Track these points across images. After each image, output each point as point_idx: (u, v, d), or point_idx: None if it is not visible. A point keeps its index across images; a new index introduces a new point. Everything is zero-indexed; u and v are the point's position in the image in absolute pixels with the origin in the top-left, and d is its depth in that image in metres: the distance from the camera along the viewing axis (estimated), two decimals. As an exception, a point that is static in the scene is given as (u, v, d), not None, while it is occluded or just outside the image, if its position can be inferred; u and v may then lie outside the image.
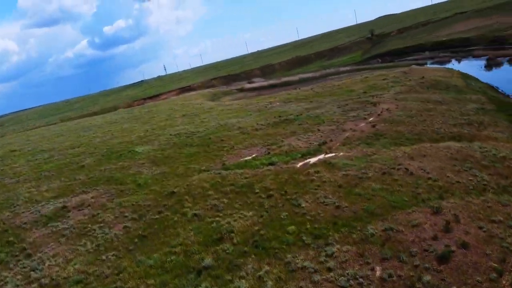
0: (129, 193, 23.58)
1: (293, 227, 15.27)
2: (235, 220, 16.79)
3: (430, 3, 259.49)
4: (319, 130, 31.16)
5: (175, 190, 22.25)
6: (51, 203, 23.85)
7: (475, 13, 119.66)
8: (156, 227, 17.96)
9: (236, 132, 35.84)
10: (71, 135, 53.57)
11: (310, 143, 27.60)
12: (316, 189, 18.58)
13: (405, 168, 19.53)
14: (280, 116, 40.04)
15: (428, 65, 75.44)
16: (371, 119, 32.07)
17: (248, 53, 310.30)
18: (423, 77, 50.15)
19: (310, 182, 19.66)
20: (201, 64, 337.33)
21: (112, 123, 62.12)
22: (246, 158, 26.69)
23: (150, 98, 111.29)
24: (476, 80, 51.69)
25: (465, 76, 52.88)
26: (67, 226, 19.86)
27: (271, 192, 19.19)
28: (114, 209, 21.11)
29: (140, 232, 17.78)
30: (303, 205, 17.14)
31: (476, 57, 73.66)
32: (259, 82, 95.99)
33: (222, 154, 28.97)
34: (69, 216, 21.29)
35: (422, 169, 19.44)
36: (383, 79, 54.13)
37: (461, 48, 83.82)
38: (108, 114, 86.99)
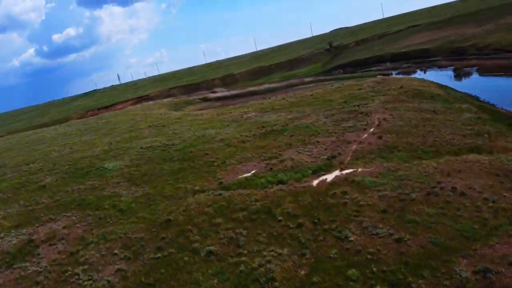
0: (111, 222, 19.27)
1: (353, 270, 11.82)
2: (269, 262, 13.08)
3: (381, 17, 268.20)
4: (318, 142, 28.11)
5: (170, 218, 18.28)
6: (13, 234, 19.15)
7: (429, 26, 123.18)
8: (163, 271, 13.83)
9: (220, 145, 32.17)
10: (22, 149, 47.36)
11: (316, 157, 24.43)
12: (356, 216, 15.30)
13: (452, 187, 16.75)
14: (263, 127, 36.81)
15: (394, 75, 75.47)
16: (371, 129, 29.48)
17: (206, 62, 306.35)
18: (401, 87, 48.74)
19: (343, 206, 16.39)
20: (157, 73, 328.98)
21: (67, 135, 56.33)
22: (245, 175, 23.06)
23: (105, 108, 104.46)
24: (453, 89, 51.05)
25: (442, 86, 52.15)
26: (39, 269, 15.34)
27: (299, 220, 15.68)
28: (97, 244, 16.79)
29: (142, 279, 13.60)
30: (351, 238, 13.74)
31: (440, 67, 74.50)
32: (222, 92, 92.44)
33: (214, 170, 25.19)
34: (39, 254, 16.75)
35: (470, 187, 16.73)
36: (359, 89, 52.34)
37: (423, 59, 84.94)
38: (60, 125, 79.92)
